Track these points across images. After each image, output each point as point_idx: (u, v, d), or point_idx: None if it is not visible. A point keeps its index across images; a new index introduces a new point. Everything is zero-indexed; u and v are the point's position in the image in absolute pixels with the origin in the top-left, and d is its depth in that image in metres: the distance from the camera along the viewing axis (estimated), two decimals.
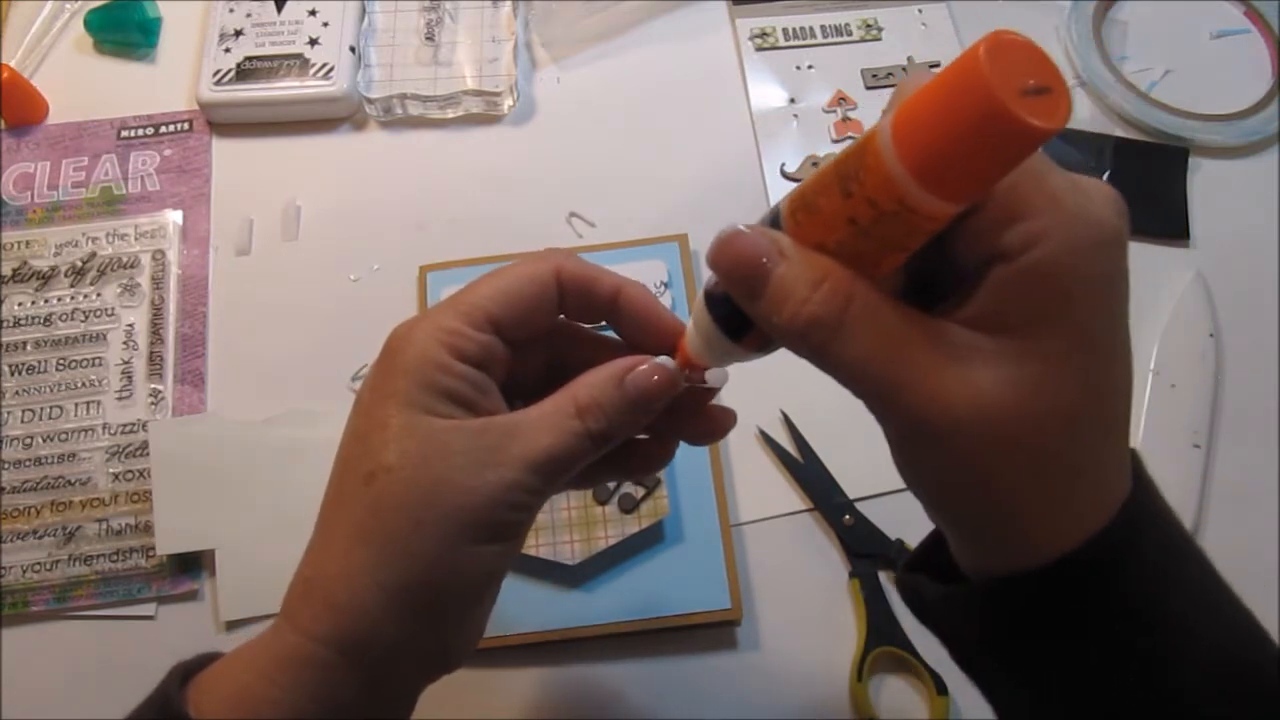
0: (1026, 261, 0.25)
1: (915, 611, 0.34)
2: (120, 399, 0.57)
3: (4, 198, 0.63)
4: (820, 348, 0.27)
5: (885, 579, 0.52)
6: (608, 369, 0.34)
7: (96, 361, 0.58)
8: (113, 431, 0.56)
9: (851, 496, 0.54)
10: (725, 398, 0.60)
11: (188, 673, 0.33)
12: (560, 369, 0.35)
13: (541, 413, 0.33)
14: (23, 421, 0.56)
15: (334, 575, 0.32)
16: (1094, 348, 0.27)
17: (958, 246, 0.27)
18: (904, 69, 0.67)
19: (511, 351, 0.35)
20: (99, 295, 0.60)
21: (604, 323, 0.36)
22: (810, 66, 0.68)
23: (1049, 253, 0.25)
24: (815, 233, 0.27)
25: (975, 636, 0.31)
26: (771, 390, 0.55)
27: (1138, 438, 0.55)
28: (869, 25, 0.69)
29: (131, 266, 0.60)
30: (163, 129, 0.66)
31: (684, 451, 0.54)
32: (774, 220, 0.28)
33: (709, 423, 0.37)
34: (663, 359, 0.34)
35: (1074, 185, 0.26)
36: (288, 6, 0.67)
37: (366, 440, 0.32)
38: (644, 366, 0.34)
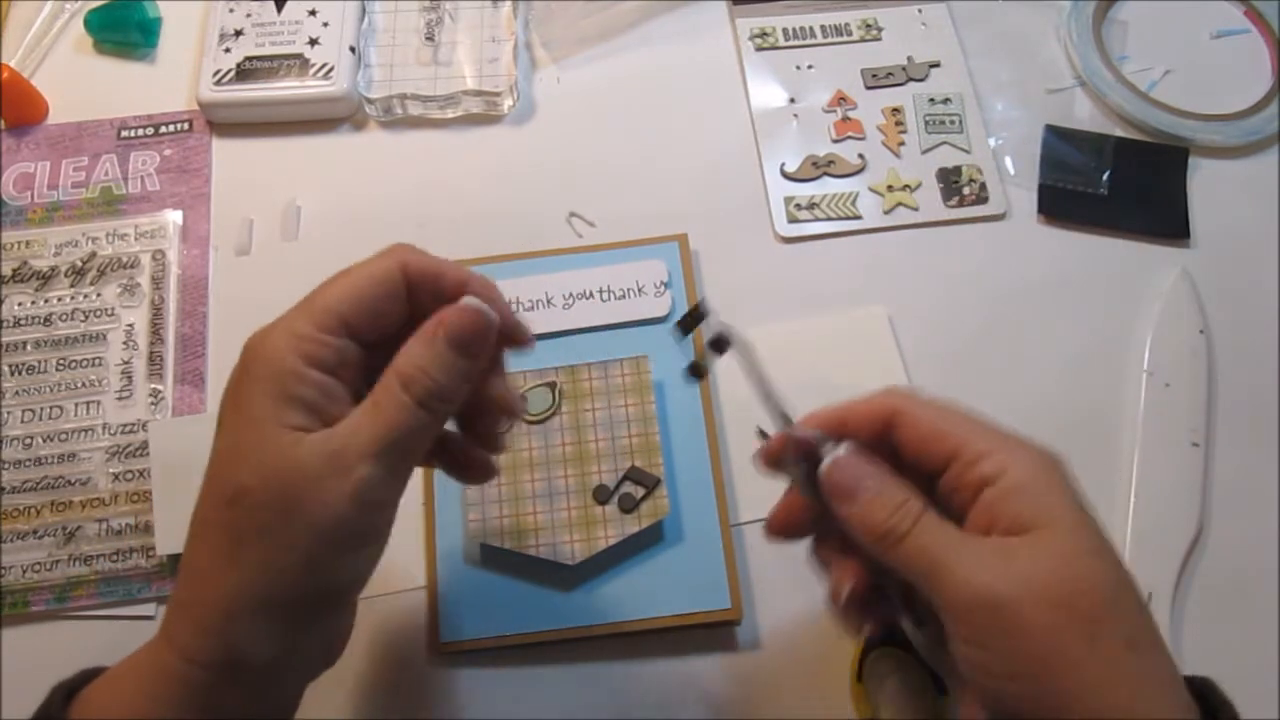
0: (1006, 483, 0.33)
1: None
2: (120, 399, 0.57)
3: (4, 198, 0.63)
4: (890, 547, 0.34)
5: None
6: (418, 334, 0.34)
7: (96, 361, 0.58)
8: (113, 431, 0.56)
9: None
10: (726, 397, 0.59)
11: (70, 691, 0.33)
12: None
13: (372, 400, 0.33)
14: (23, 421, 0.56)
15: (207, 602, 0.32)
16: (1079, 528, 0.32)
17: (953, 499, 0.35)
18: (904, 69, 0.67)
19: (365, 353, 0.35)
20: (99, 295, 0.60)
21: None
22: (810, 66, 0.68)
23: (1021, 473, 0.33)
24: None
25: None
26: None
27: (1136, 440, 0.55)
28: (869, 25, 0.69)
29: (131, 266, 0.60)
30: (163, 129, 0.66)
31: (684, 451, 0.54)
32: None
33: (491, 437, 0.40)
34: (468, 299, 0.34)
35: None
36: (288, 6, 0.67)
37: (225, 460, 0.33)
38: (451, 312, 0.34)
